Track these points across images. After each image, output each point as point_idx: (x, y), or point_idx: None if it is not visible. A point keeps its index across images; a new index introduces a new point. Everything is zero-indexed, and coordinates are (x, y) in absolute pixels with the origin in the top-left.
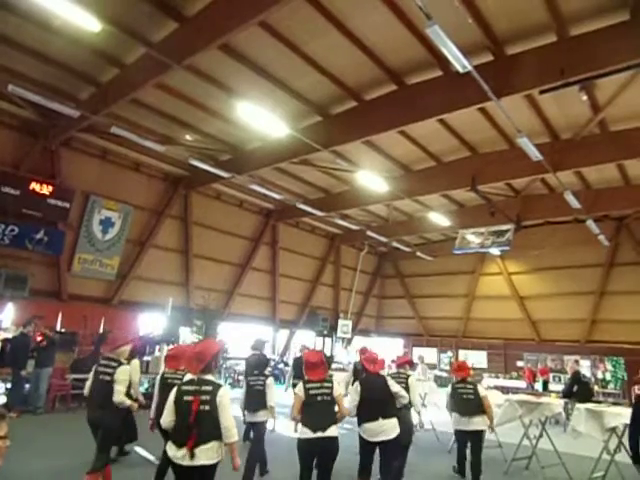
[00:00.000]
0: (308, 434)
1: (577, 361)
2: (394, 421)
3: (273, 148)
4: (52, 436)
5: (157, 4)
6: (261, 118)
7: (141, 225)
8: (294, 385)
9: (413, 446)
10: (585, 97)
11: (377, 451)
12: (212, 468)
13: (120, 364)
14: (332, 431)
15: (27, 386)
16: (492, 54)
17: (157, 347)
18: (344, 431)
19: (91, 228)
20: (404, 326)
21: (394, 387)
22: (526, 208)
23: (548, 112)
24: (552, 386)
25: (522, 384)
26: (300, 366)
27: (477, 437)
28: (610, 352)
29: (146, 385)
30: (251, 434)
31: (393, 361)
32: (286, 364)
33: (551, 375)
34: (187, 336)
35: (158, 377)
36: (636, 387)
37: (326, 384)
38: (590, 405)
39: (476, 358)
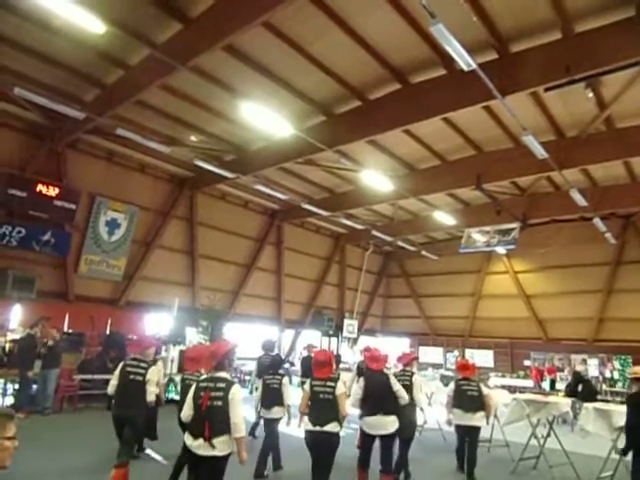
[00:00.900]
0: (309, 427)
1: (585, 360)
2: (393, 418)
3: (277, 148)
4: (60, 436)
5: (161, 6)
6: (265, 118)
7: (147, 226)
8: (302, 383)
9: (419, 444)
10: (591, 94)
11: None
12: (224, 459)
13: (149, 365)
14: (331, 427)
15: (34, 387)
16: (497, 52)
17: (164, 348)
18: (351, 430)
19: (97, 229)
20: (410, 325)
21: (395, 386)
22: (532, 206)
23: (553, 110)
24: (559, 385)
25: (529, 383)
26: (308, 365)
27: (475, 432)
28: (618, 351)
29: None
30: (257, 431)
31: (399, 359)
32: (292, 364)
33: (558, 374)
34: (193, 336)
35: (178, 378)
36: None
37: (329, 383)
38: (598, 404)
39: (483, 357)
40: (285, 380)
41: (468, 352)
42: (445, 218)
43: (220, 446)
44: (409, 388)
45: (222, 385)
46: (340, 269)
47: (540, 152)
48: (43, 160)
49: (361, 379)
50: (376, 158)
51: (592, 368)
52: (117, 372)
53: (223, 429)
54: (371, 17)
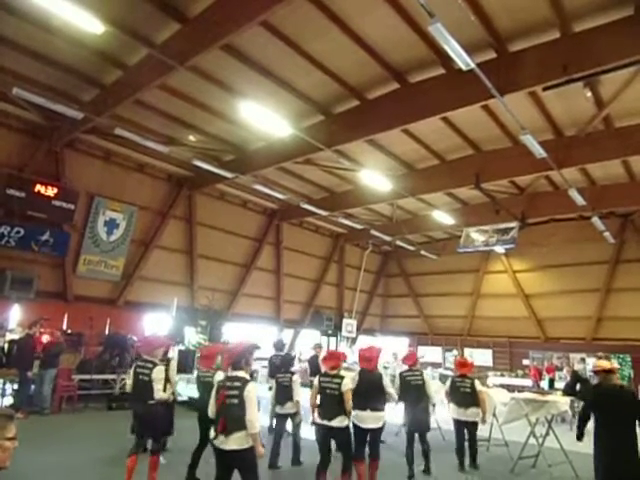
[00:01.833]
0: (318, 421)
1: (583, 359)
2: (380, 414)
3: (276, 148)
4: (58, 436)
5: (159, 5)
6: (264, 118)
7: (145, 226)
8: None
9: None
10: (589, 93)
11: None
12: (245, 452)
13: (155, 365)
14: (337, 422)
15: (33, 387)
16: (495, 51)
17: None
18: None
19: (96, 229)
20: (409, 325)
21: (388, 388)
22: (531, 205)
23: (552, 109)
24: (558, 384)
25: (528, 382)
26: (316, 364)
27: (472, 427)
28: (617, 349)
29: None
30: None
31: (405, 359)
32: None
33: (557, 373)
34: (192, 336)
35: (177, 378)
36: None
37: (335, 380)
38: None
39: (481, 356)
40: (295, 377)
41: (467, 351)
42: (444, 217)
43: (238, 441)
44: (422, 386)
45: (238, 384)
46: (339, 269)
47: (539, 151)
48: (41, 160)
49: (355, 374)
50: (375, 158)
51: (591, 367)
52: (131, 372)
53: (239, 426)
54: (369, 16)
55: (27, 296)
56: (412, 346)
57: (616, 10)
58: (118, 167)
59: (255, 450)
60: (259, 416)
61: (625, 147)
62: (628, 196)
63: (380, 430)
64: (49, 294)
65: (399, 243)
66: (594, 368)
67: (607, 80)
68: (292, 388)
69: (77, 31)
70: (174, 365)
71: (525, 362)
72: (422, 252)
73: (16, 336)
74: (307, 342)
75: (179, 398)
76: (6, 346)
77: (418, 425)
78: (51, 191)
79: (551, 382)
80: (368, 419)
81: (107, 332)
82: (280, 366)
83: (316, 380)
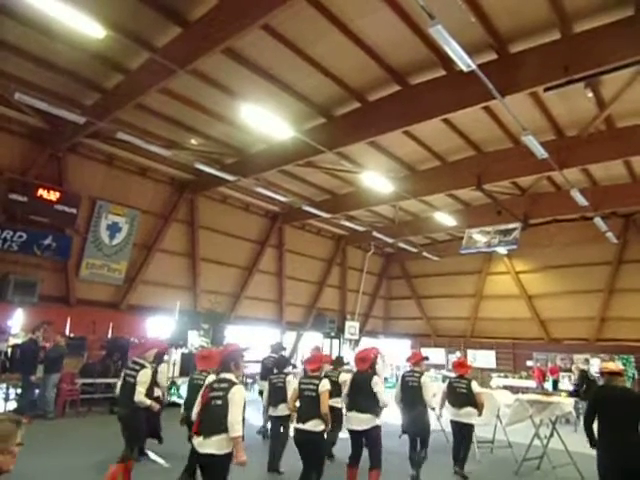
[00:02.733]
0: (295, 424)
1: (587, 360)
2: (368, 416)
3: (278, 151)
4: (61, 439)
5: (160, 9)
6: (265, 121)
7: (148, 229)
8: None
9: None
10: (590, 94)
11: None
12: (223, 457)
13: (143, 367)
14: (311, 425)
15: (37, 391)
16: (496, 52)
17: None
18: None
19: (98, 233)
20: (411, 327)
21: (376, 387)
22: (533, 206)
23: (553, 110)
24: (562, 385)
25: (532, 384)
26: None
27: (467, 430)
28: (620, 350)
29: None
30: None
31: (408, 358)
32: (294, 366)
33: (561, 374)
34: (195, 340)
35: (180, 381)
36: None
37: (314, 381)
38: None
39: (485, 358)
40: (289, 378)
41: (470, 353)
42: (446, 219)
43: (217, 444)
44: (417, 389)
45: (224, 385)
46: (341, 271)
47: (540, 152)
48: (44, 165)
49: (350, 375)
50: (376, 160)
51: (594, 368)
52: (122, 375)
53: (220, 428)
54: (370, 19)
55: (30, 300)
56: (415, 348)
57: (617, 10)
58: (120, 171)
59: (233, 457)
60: (241, 419)
61: (627, 147)
62: (630, 196)
63: (372, 433)
64: (52, 298)
65: (401, 245)
66: (601, 369)
67: (608, 80)
68: (286, 389)
69: (78, 35)
70: (164, 369)
71: (529, 363)
72: (424, 254)
73: (19, 341)
74: (309, 345)
75: (181, 401)
76: (9, 351)
77: (414, 428)
78: (53, 195)
79: (555, 383)
80: (354, 420)
81: (110, 336)
82: (273, 367)
83: (296, 383)
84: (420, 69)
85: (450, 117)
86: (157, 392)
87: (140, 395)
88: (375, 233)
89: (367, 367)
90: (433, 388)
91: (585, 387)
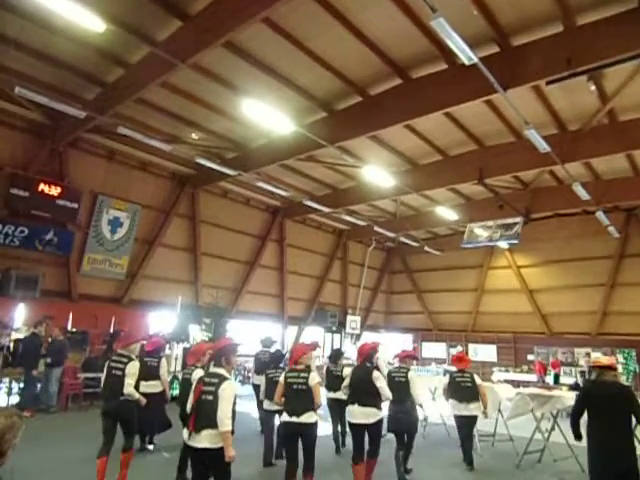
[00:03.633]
0: (286, 418)
1: (589, 354)
2: (371, 410)
3: (279, 145)
4: (63, 433)
5: (160, 3)
6: (266, 115)
7: (149, 224)
8: None
9: (424, 439)
10: (593, 87)
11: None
12: (218, 451)
13: (130, 360)
14: (306, 417)
15: (39, 386)
16: (498, 45)
17: (167, 345)
18: None
19: (100, 228)
20: (413, 321)
21: (378, 382)
22: (535, 201)
23: (555, 103)
24: (563, 379)
25: (533, 377)
26: None
27: (471, 421)
28: (621, 344)
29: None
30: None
31: (396, 356)
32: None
33: (562, 368)
34: (197, 334)
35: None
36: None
37: (302, 374)
38: None
39: (486, 352)
40: None
41: (471, 347)
42: (447, 213)
43: (209, 438)
44: (405, 385)
45: (215, 380)
46: (342, 265)
47: (542, 146)
48: (45, 159)
49: (350, 368)
50: (377, 154)
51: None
52: (105, 368)
53: (211, 423)
54: (371, 12)
55: (32, 295)
56: (416, 342)
57: (620, 3)
58: (121, 166)
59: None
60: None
61: (629, 141)
62: (632, 190)
63: (374, 427)
64: (54, 293)
65: (402, 239)
66: (592, 363)
67: (611, 74)
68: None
69: (79, 29)
70: (164, 363)
71: (530, 357)
72: (426, 248)
73: (21, 335)
74: (308, 339)
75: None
76: (12, 345)
77: (401, 425)
78: (55, 190)
79: (556, 377)
80: (356, 413)
81: (112, 330)
82: (269, 362)
83: (282, 376)
84: (422, 62)
85: (452, 111)
86: (159, 386)
87: (129, 387)
88: (376, 227)
89: (361, 360)
90: (434, 381)
91: None
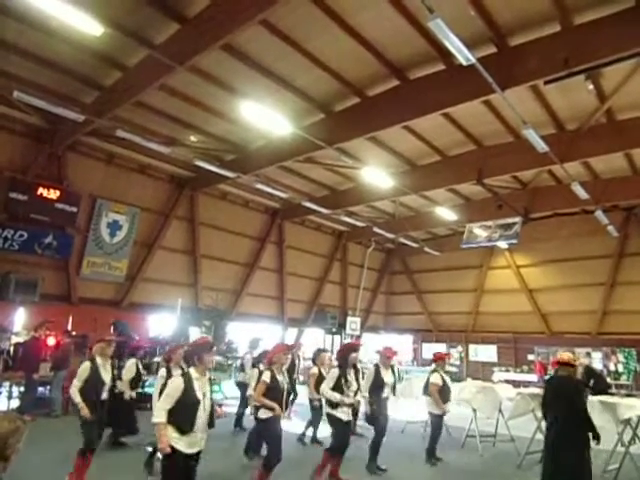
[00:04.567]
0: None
1: (589, 353)
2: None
3: (277, 147)
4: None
5: (158, 6)
6: (264, 117)
7: (148, 227)
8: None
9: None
10: (591, 86)
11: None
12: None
13: (83, 362)
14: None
15: (40, 389)
16: (495, 46)
17: (167, 348)
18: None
19: (99, 231)
20: (413, 322)
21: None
22: (533, 200)
23: (553, 103)
24: None
25: (533, 377)
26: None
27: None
28: (622, 343)
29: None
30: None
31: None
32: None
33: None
34: (197, 336)
35: None
36: None
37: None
38: (603, 397)
39: (486, 352)
40: None
41: (471, 347)
42: (446, 214)
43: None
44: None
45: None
46: (342, 267)
47: (541, 145)
48: (44, 163)
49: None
50: (376, 155)
51: (596, 361)
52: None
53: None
54: (368, 13)
55: (31, 299)
56: (416, 343)
57: (617, 2)
58: (120, 169)
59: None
60: (160, 406)
61: (628, 140)
62: (631, 189)
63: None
64: (53, 297)
65: (402, 240)
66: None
67: (608, 73)
68: None
69: (76, 33)
70: (128, 363)
71: (530, 357)
72: (425, 249)
73: (21, 339)
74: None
75: None
76: (12, 349)
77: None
78: (54, 194)
79: None
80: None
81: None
82: (257, 363)
83: (266, 375)
84: (419, 63)
85: (450, 111)
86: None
87: (72, 388)
88: (375, 229)
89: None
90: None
91: (593, 382)
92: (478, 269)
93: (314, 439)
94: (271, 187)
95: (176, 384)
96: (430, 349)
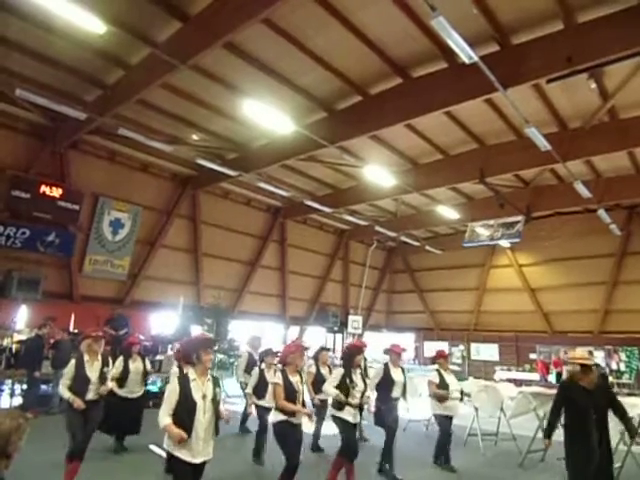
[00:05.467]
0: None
1: (591, 352)
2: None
3: (279, 145)
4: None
5: (160, 4)
6: (267, 115)
7: (150, 225)
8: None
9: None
10: (594, 85)
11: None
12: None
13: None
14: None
15: (43, 387)
16: (498, 44)
17: (169, 346)
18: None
19: (101, 229)
20: (414, 320)
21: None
22: (536, 199)
23: (556, 101)
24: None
25: (535, 376)
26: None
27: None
28: (624, 342)
29: (159, 383)
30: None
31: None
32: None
33: (564, 367)
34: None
35: None
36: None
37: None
38: None
39: (488, 351)
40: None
41: (473, 346)
42: (448, 212)
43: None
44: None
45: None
46: (344, 265)
47: (543, 144)
48: (46, 161)
49: (339, 370)
50: (378, 153)
51: (598, 360)
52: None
53: None
54: (371, 11)
55: (34, 297)
56: (418, 342)
57: (620, 0)
58: (122, 167)
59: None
60: (163, 411)
61: (630, 139)
62: (634, 188)
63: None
64: (56, 294)
65: (404, 239)
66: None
67: (611, 71)
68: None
69: (79, 31)
70: (117, 363)
71: (532, 356)
72: (427, 247)
73: (24, 337)
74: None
75: None
76: (14, 347)
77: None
78: (56, 192)
79: (559, 376)
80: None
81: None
82: (260, 361)
83: (278, 376)
84: (422, 62)
85: (452, 110)
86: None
87: (60, 386)
88: (377, 227)
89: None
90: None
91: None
92: (480, 268)
93: (315, 446)
94: (273, 185)
95: (171, 387)
96: (432, 348)
